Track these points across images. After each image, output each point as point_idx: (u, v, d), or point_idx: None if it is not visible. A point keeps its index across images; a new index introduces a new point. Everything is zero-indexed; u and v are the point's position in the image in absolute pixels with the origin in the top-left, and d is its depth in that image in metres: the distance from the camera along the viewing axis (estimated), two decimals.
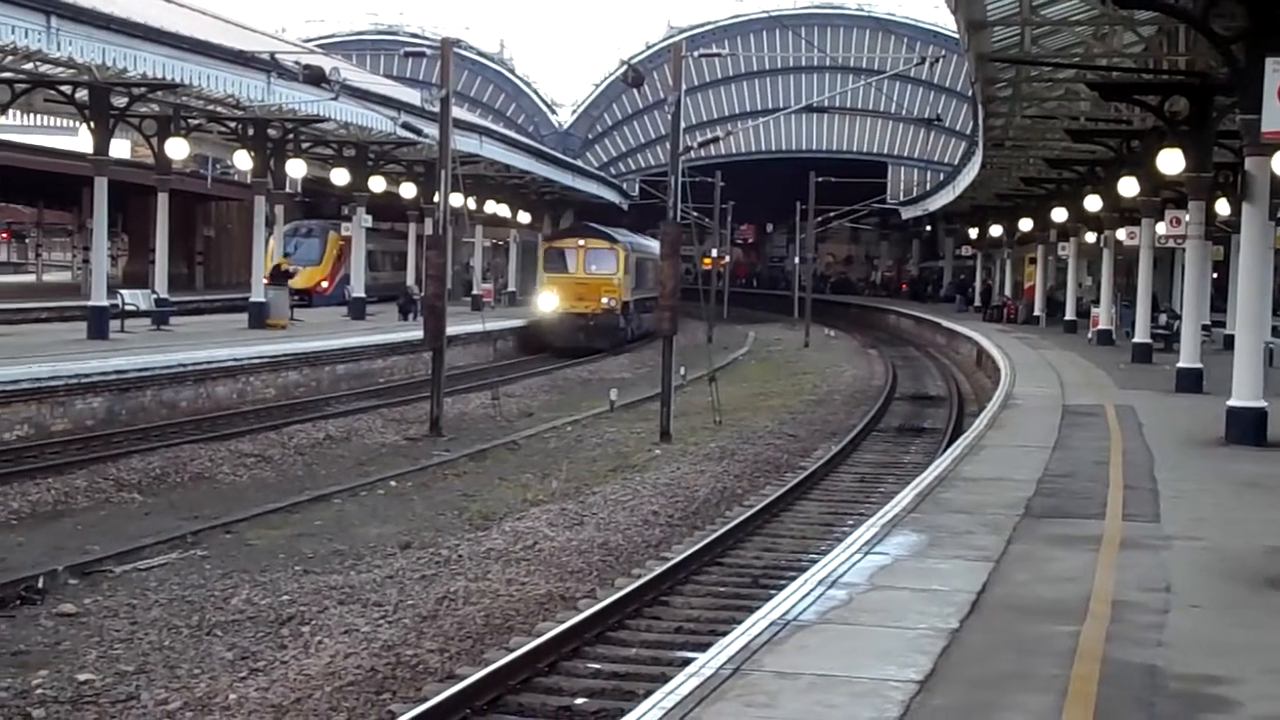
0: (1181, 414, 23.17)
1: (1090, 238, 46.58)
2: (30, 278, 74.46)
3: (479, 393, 33.16)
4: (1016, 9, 27.69)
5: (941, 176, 75.52)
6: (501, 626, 13.28)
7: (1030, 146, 44.05)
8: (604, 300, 48.99)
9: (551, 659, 11.95)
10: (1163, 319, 40.81)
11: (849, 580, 10.72)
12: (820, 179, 63.42)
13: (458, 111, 35.28)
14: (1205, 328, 32.78)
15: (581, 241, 50.92)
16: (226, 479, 22.08)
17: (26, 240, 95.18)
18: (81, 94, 32.37)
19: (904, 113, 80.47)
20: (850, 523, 17.84)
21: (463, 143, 43.88)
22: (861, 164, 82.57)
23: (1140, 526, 13.07)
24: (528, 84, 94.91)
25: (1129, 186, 31.64)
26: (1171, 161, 25.09)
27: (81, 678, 11.62)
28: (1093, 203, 39.15)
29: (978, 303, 67.90)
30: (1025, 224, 55.02)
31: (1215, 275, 42.00)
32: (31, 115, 38.09)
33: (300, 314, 43.94)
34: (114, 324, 33.59)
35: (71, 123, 39.04)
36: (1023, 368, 32.46)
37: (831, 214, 69.72)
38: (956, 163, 67.41)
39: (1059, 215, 46.37)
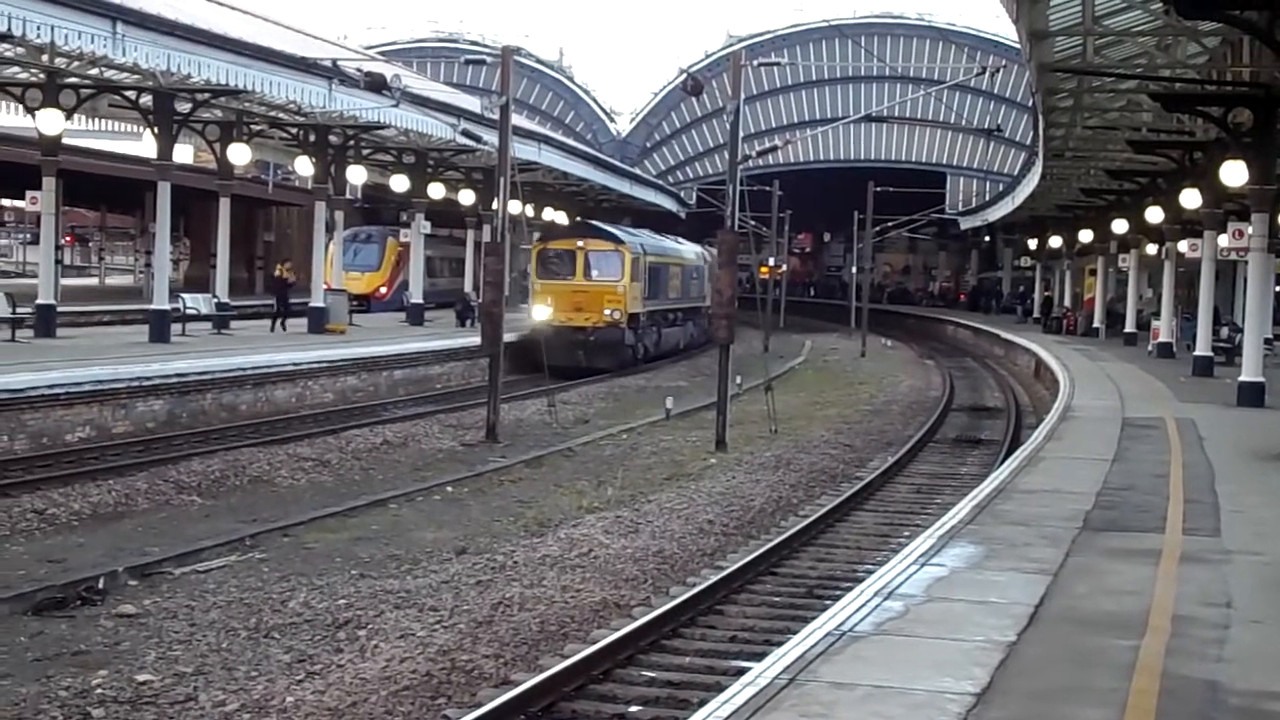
0: (1243, 428, 22.95)
1: (1151, 249, 46.26)
2: (93, 281, 75.16)
3: (535, 399, 33.24)
4: (1079, 19, 27.52)
5: (1001, 187, 75.19)
6: (556, 633, 13.29)
7: (1091, 157, 43.80)
8: (607, 312, 42.58)
9: (606, 666, 11.95)
10: (1224, 332, 40.41)
11: (905, 592, 10.67)
12: (879, 188, 63.28)
13: (517, 119, 35.34)
14: (1268, 341, 32.46)
15: (580, 242, 44.11)
16: (285, 482, 22.21)
17: (90, 244, 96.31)
18: (146, 99, 32.70)
19: (964, 123, 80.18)
20: (906, 534, 17.77)
21: (521, 150, 44.01)
22: (920, 174, 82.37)
23: (1201, 540, 12.94)
24: (586, 92, 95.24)
25: (1191, 198, 31.41)
26: (1235, 173, 24.90)
27: (140, 678, 11.71)
28: (1154, 214, 38.88)
29: (1036, 314, 67.45)
30: (1085, 235, 54.70)
31: (1278, 288, 41.59)
32: (96, 120, 38.49)
33: (359, 319, 44.21)
34: (175, 327, 33.87)
35: (135, 128, 39.49)
36: (1082, 379, 32.23)
37: (889, 223, 69.52)
38: (1016, 173, 67.08)
39: (1120, 227, 46.07)
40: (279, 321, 40.27)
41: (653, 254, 47.21)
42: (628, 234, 47.46)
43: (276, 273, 43.61)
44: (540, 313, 41.35)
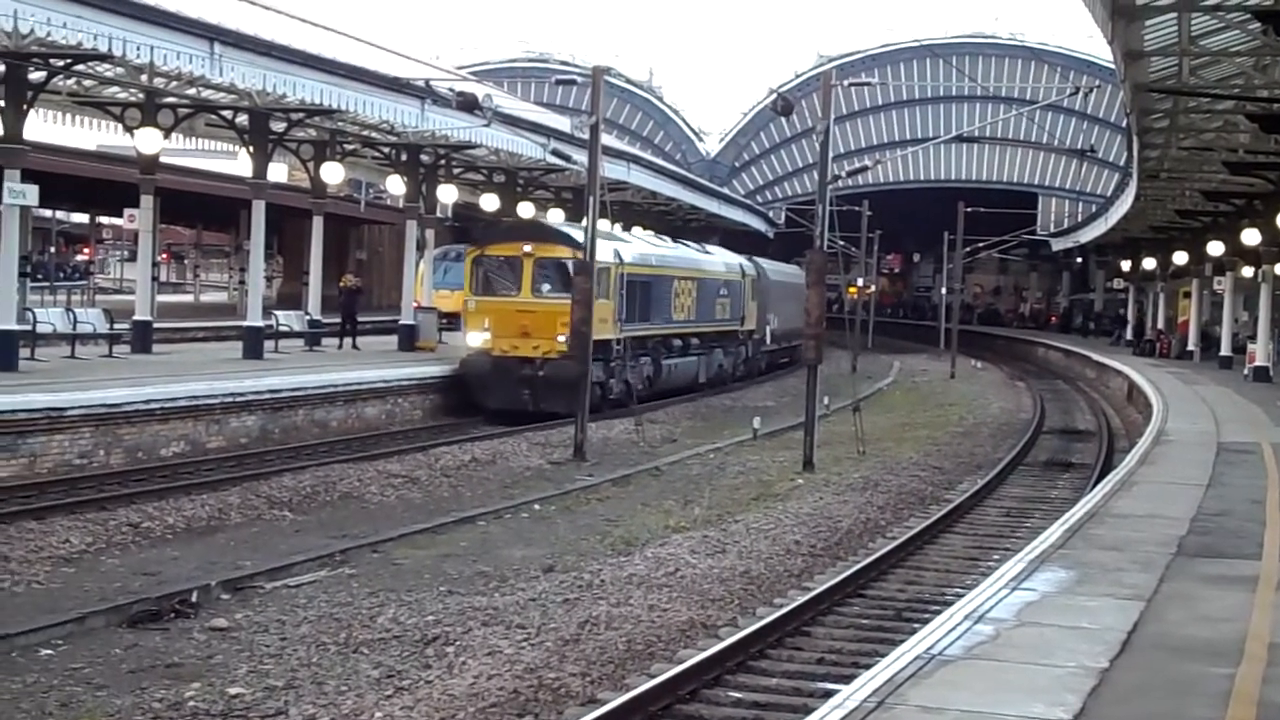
0: None
1: (1247, 272, 45.59)
2: (189, 297, 76.18)
3: (623, 418, 33.27)
4: (1175, 39, 27.20)
5: (1093, 208, 74.42)
6: (643, 652, 13.29)
7: (1186, 178, 43.24)
8: (561, 338, 31.83)
9: (693, 686, 11.93)
10: None
11: (996, 616, 10.58)
12: (969, 209, 62.83)
13: (606, 139, 35.46)
14: None
15: (527, 247, 33.63)
16: (374, 499, 22.40)
17: (185, 261, 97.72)
18: (242, 119, 33.18)
19: (1056, 143, 79.46)
20: (996, 558, 17.63)
21: (611, 169, 44.21)
22: (1011, 194, 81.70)
23: None
24: (675, 112, 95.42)
25: None
26: None
27: (232, 691, 11.84)
28: (1251, 236, 38.36)
29: (1129, 336, 66.63)
30: (1180, 257, 54.01)
31: None
32: (193, 139, 39.08)
33: (448, 337, 44.47)
34: (268, 344, 34.26)
35: (231, 147, 40.03)
36: (1175, 403, 31.83)
37: (980, 244, 69.02)
38: (1109, 194, 66.38)
39: (1215, 249, 45.46)
40: (349, 340, 39.15)
41: (638, 263, 36.28)
42: (599, 235, 33.99)
43: (341, 283, 42.38)
44: (475, 339, 33.43)
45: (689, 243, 46.42)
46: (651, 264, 37.87)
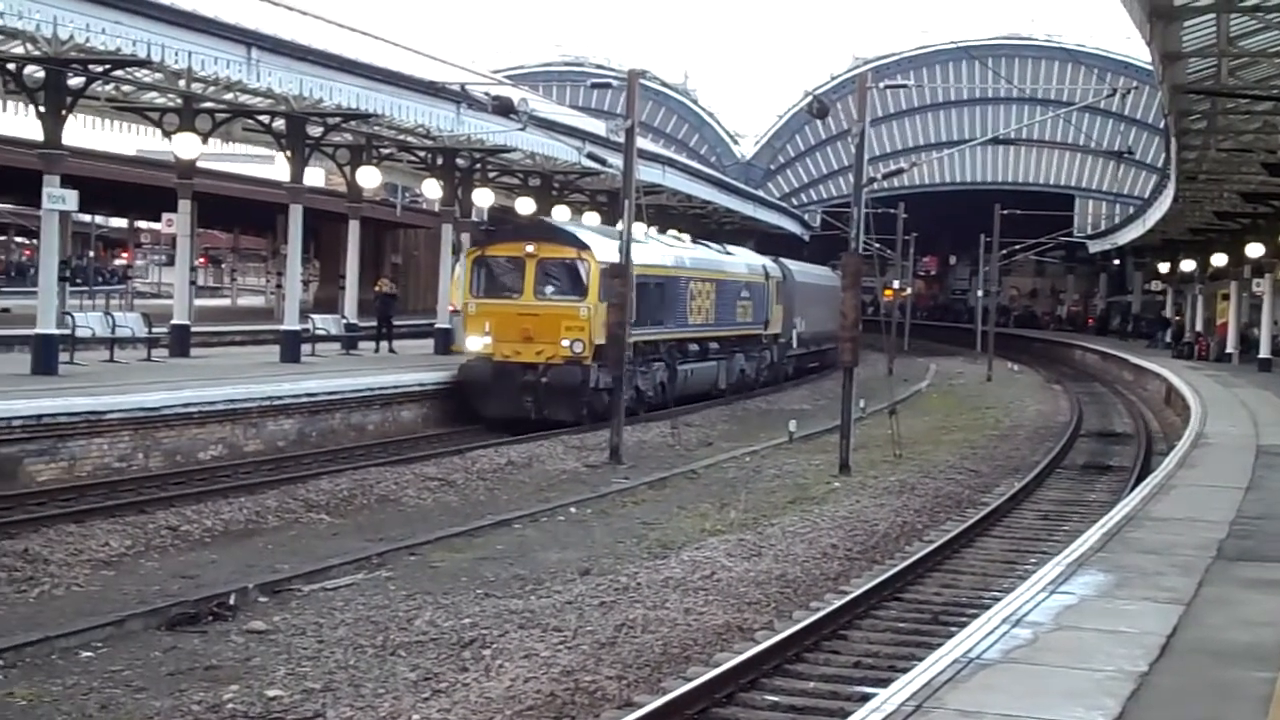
0: None
1: None
2: (226, 302, 76.63)
3: (658, 421, 33.28)
4: (1213, 40, 27.05)
5: (1131, 210, 74.07)
6: (679, 655, 13.28)
7: (1225, 180, 42.98)
8: (565, 342, 31.49)
9: (729, 690, 11.93)
10: None
11: (1034, 619, 10.54)
12: (1005, 211, 62.62)
13: (642, 142, 35.42)
14: None
15: (530, 247, 32.26)
16: (411, 502, 22.46)
17: (223, 265, 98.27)
18: (278, 123, 33.33)
19: (1093, 144, 79.16)
20: (1033, 561, 17.55)
21: (646, 173, 44.21)
22: (1048, 196, 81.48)
23: None
24: (710, 115, 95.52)
25: None
26: None
27: (270, 694, 11.89)
28: None
29: (1168, 339, 66.26)
30: (1218, 259, 53.68)
31: None
32: (230, 144, 39.28)
33: None
34: (305, 348, 34.40)
35: (268, 151, 40.23)
36: (1214, 406, 31.64)
37: (1016, 247, 68.79)
38: (1147, 196, 66.05)
39: (1254, 250, 45.18)
40: (385, 344, 39.29)
41: (648, 264, 34.52)
42: (607, 234, 34.38)
43: (376, 288, 42.53)
44: (475, 343, 32.11)
45: (708, 243, 44.83)
46: (664, 264, 36.04)
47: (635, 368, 32.83)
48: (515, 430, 30.09)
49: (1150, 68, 32.08)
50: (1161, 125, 47.93)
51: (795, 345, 50.19)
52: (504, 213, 52.56)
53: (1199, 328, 62.84)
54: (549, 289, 32.13)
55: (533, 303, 31.77)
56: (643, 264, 32.92)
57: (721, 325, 40.82)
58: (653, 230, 41.51)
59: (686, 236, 43.71)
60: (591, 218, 50.04)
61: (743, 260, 45.21)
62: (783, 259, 51.28)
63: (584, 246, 32.05)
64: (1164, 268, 69.39)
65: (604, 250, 31.54)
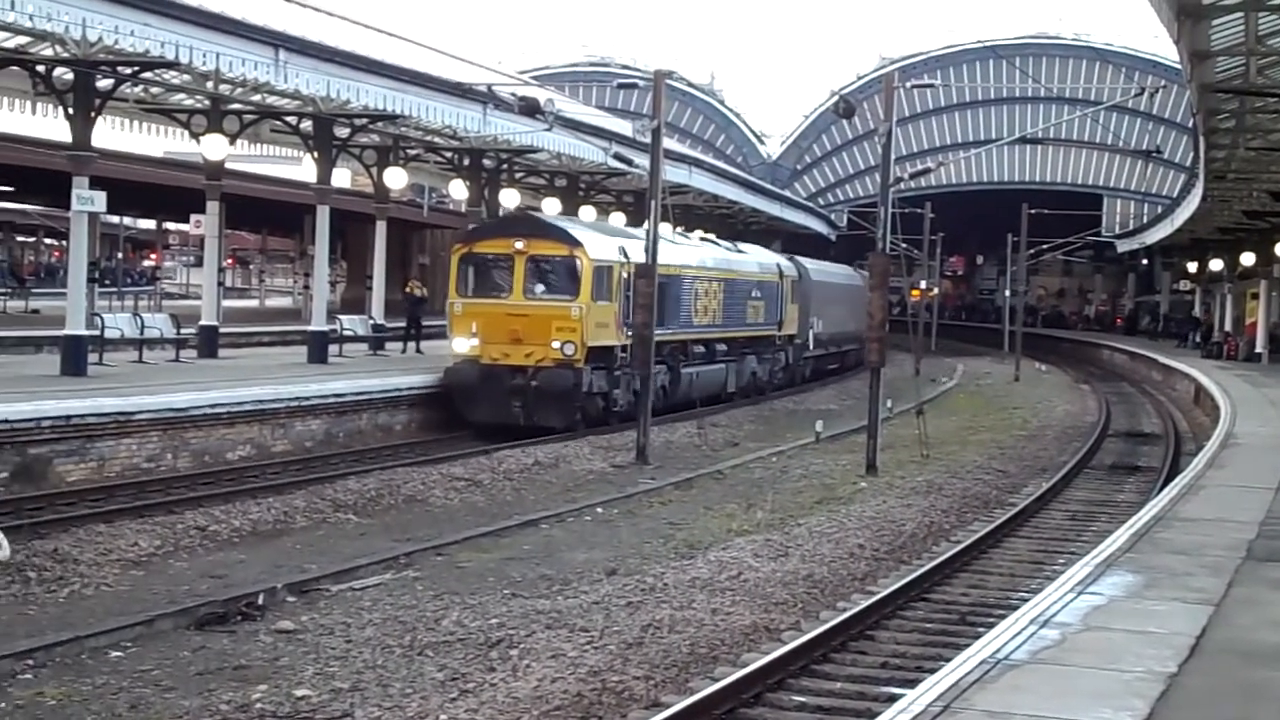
0: None
1: None
2: (254, 302, 76.85)
3: (685, 422, 33.27)
4: (1242, 39, 26.94)
5: (1159, 209, 73.78)
6: (706, 656, 13.28)
7: (1254, 179, 42.80)
8: (555, 344, 29.89)
9: (757, 690, 11.92)
10: None
11: (1062, 620, 10.51)
12: (1033, 211, 62.41)
13: (668, 142, 35.34)
14: None
15: (520, 243, 30.47)
16: (438, 502, 22.50)
17: (251, 266, 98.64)
18: (306, 125, 33.45)
19: (1121, 144, 78.89)
20: (1061, 562, 17.51)
21: (673, 173, 44.21)
22: (1076, 196, 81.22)
23: None
24: (737, 115, 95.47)
25: None
26: None
27: (299, 693, 11.93)
28: None
29: (1197, 339, 65.93)
30: (1247, 258, 53.43)
31: None
32: (258, 145, 39.41)
33: None
34: (332, 348, 34.49)
35: (295, 152, 40.35)
36: (1243, 406, 31.50)
37: (1044, 246, 68.57)
38: (1175, 195, 65.80)
39: None
40: (413, 344, 39.37)
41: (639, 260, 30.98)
42: (603, 231, 33.71)
43: (406, 289, 42.79)
44: (462, 345, 30.46)
45: (717, 240, 43.01)
46: (664, 262, 31.52)
47: (628, 369, 31.25)
48: (504, 437, 28.87)
49: (1179, 67, 31.93)
50: (1190, 124, 47.74)
51: (812, 346, 48.55)
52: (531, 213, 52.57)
53: (1228, 327, 62.54)
54: (539, 288, 30.61)
55: (522, 302, 30.22)
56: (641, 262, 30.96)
57: (731, 326, 39.33)
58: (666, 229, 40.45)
59: (696, 234, 42.56)
60: (618, 218, 50.10)
61: (754, 259, 43.30)
62: (800, 258, 49.73)
63: (576, 243, 30.49)
64: (1192, 267, 69.10)
65: (597, 247, 30.81)
